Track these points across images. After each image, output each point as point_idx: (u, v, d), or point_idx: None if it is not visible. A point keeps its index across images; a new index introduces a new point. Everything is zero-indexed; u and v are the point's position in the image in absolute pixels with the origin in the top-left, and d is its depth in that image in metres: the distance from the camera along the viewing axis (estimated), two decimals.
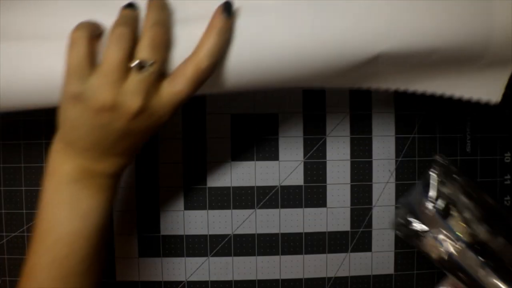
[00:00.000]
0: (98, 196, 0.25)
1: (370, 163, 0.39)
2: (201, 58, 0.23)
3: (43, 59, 0.25)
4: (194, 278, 0.38)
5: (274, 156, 0.39)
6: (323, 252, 0.38)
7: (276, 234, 0.38)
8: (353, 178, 0.39)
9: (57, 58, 0.24)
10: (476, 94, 0.28)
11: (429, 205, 0.34)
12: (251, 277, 0.38)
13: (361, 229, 0.39)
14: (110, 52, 0.22)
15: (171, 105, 0.24)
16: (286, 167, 0.39)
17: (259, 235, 0.38)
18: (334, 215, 0.39)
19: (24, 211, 0.38)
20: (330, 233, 0.39)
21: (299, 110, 0.39)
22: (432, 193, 0.34)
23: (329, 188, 0.39)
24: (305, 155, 0.39)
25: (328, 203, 0.39)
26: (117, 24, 0.23)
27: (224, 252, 0.38)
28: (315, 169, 0.39)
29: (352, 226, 0.39)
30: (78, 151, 0.25)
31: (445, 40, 0.25)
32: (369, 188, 0.39)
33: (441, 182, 0.34)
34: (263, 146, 0.38)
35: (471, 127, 0.39)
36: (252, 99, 0.38)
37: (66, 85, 0.23)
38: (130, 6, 0.24)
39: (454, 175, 0.34)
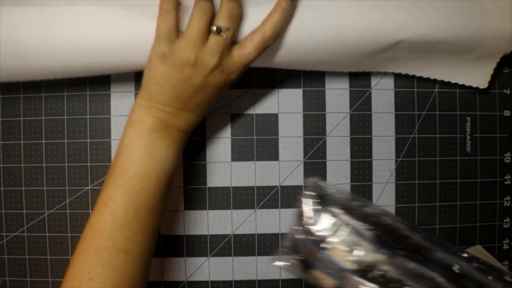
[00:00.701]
0: (171, 146, 0.30)
1: (370, 163, 0.39)
2: (267, 29, 0.29)
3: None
4: (194, 278, 0.38)
5: (274, 156, 0.39)
6: None
7: (276, 234, 0.38)
8: (353, 178, 0.39)
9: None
10: (468, 81, 0.37)
11: (305, 238, 0.31)
12: (251, 277, 0.38)
13: None
14: (194, 21, 0.28)
15: (241, 64, 0.30)
16: (286, 167, 0.39)
17: (259, 235, 0.38)
18: None
19: (24, 211, 0.38)
20: None
21: (299, 110, 0.39)
22: (306, 225, 0.30)
23: None
24: (305, 155, 0.39)
25: None
26: None
27: (224, 252, 0.38)
28: (315, 169, 0.39)
29: None
30: (159, 106, 0.30)
31: (450, 33, 0.32)
32: (369, 188, 0.39)
33: (316, 210, 0.31)
34: (263, 146, 0.38)
35: (471, 127, 0.39)
36: (252, 99, 0.38)
37: (156, 47, 0.29)
38: None
39: (334, 197, 0.31)
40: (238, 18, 0.29)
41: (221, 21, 0.28)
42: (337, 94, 0.39)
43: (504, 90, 0.40)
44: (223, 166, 0.38)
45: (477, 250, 0.38)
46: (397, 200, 0.39)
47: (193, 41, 0.28)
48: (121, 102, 0.38)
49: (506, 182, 0.40)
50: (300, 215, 0.30)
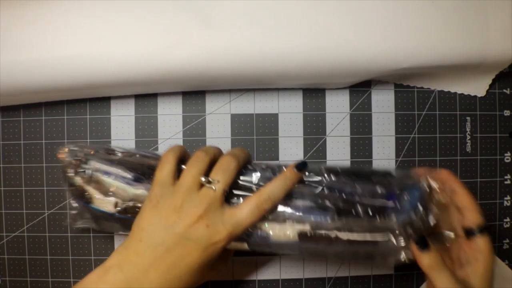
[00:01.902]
0: None
1: (370, 163, 0.39)
2: (263, 193, 0.28)
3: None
4: None
5: (274, 156, 0.38)
6: None
7: None
8: None
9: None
10: (466, 90, 0.39)
11: (73, 203, 0.31)
12: (251, 277, 0.38)
13: None
14: (188, 170, 0.28)
15: (229, 224, 0.28)
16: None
17: None
18: None
19: (24, 211, 0.38)
20: None
21: (299, 110, 0.39)
22: (71, 189, 0.31)
23: None
24: (305, 155, 0.39)
25: None
26: (200, 149, 0.30)
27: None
28: None
29: None
30: (134, 257, 0.27)
31: (452, 58, 0.33)
32: None
33: (74, 170, 0.31)
34: (263, 146, 0.38)
35: (471, 127, 0.39)
36: (252, 99, 0.38)
37: (150, 191, 0.29)
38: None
39: (89, 153, 0.31)
40: (231, 171, 0.28)
41: (212, 173, 0.28)
42: (337, 94, 0.39)
43: (504, 90, 0.40)
44: None
45: None
46: None
47: (182, 189, 0.28)
48: (121, 101, 0.38)
49: (506, 182, 0.40)
50: (65, 180, 0.31)
